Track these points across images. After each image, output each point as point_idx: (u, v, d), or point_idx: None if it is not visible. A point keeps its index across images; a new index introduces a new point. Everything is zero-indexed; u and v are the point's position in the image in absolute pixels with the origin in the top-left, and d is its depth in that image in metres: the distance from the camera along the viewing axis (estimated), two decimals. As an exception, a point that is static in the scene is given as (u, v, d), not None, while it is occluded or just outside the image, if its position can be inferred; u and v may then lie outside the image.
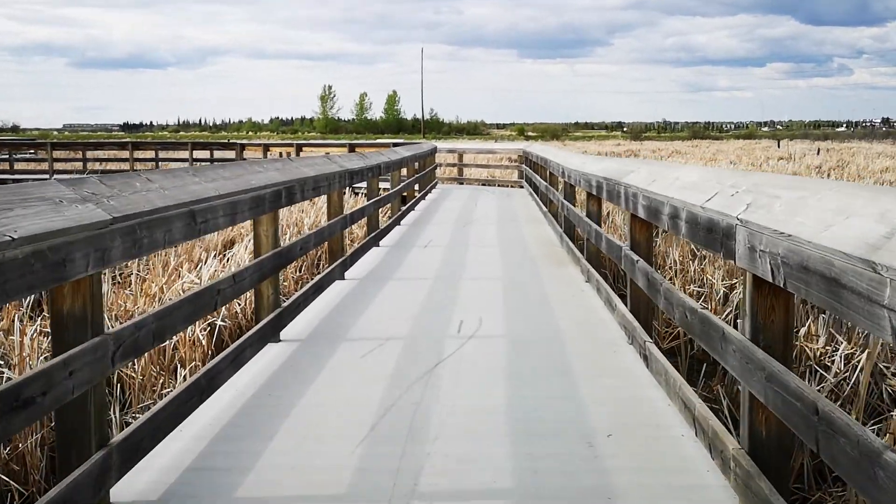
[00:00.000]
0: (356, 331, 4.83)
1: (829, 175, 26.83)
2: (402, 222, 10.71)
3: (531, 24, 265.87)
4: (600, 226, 6.41)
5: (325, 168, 5.73)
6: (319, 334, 4.73)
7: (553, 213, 10.45)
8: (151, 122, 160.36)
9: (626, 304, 4.79)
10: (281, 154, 22.83)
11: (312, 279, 6.22)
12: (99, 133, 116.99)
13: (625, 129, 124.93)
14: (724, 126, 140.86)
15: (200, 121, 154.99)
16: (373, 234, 8.29)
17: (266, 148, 20.99)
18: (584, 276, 6.48)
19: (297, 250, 4.89)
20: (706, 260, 8.53)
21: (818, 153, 38.65)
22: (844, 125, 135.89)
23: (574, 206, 8.20)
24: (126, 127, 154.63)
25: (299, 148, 19.87)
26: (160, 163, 22.79)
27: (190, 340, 5.70)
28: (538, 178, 12.51)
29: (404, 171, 12.21)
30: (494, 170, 21.30)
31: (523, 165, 16.94)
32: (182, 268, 7.79)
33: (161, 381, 5.30)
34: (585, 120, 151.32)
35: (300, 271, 8.69)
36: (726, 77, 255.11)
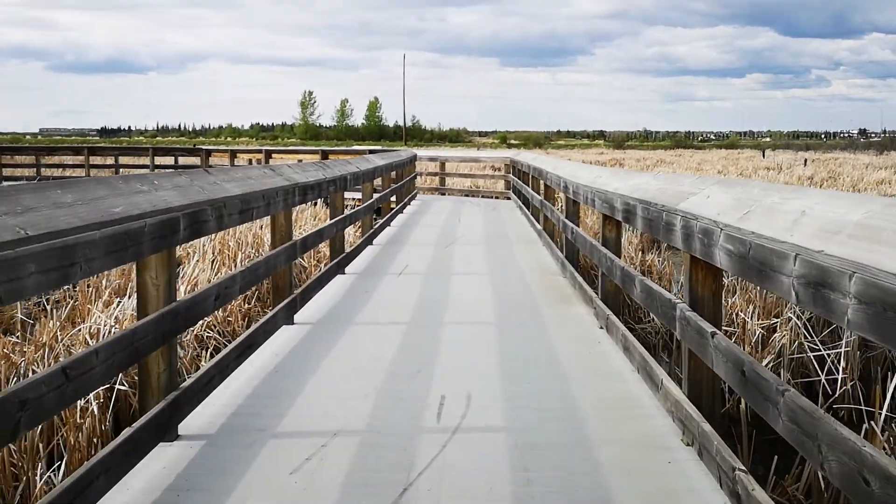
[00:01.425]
0: (292, 419, 3.38)
1: (822, 186, 25.80)
2: (374, 241, 9.28)
3: (514, 33, 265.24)
4: (619, 256, 5.03)
5: (261, 183, 4.29)
6: (237, 427, 3.28)
7: (549, 231, 9.07)
8: (130, 127, 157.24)
9: (670, 376, 3.40)
10: (251, 161, 21.34)
11: (261, 317, 4.78)
12: (73, 138, 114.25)
13: (607, 137, 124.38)
14: (704, 136, 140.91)
15: (179, 126, 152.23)
16: (336, 260, 6.84)
17: (233, 154, 19.46)
18: (599, 321, 5.09)
19: (211, 301, 3.44)
20: (736, 293, 7.18)
21: (805, 164, 37.76)
22: (823, 136, 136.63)
23: (578, 226, 6.83)
24: (104, 132, 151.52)
25: (269, 154, 18.35)
26: (120, 169, 21.16)
27: (80, 412, 4.23)
28: (530, 190, 11.13)
29: (378, 182, 10.79)
30: (479, 179, 19.93)
31: (511, 175, 15.58)
32: (96, 303, 6.29)
33: (24, 478, 3.81)
34: (567, 128, 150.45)
35: (249, 303, 7.23)
36: (706, 87, 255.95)
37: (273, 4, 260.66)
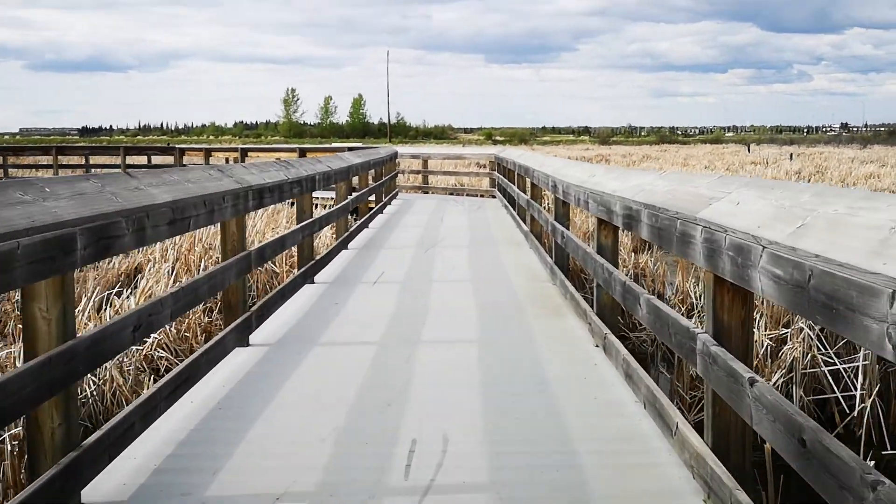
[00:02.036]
0: (229, 476, 2.77)
1: (809, 181, 25.44)
2: (350, 245, 8.66)
3: (498, 30, 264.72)
4: (617, 265, 4.46)
5: (202, 187, 3.67)
6: (157, 489, 2.66)
7: (536, 233, 8.50)
8: (111, 126, 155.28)
9: (670, 394, 2.83)
10: (227, 160, 20.66)
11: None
12: (52, 137, 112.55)
13: (591, 133, 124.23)
14: (688, 131, 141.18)
15: (162, 125, 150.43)
16: (304, 269, 6.22)
17: (208, 152, 18.73)
18: (595, 339, 4.52)
19: (128, 333, 2.81)
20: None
21: (791, 158, 37.47)
22: (805, 130, 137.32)
23: (569, 228, 6.25)
24: (84, 131, 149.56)
25: (244, 152, 17.66)
26: (91, 169, 20.37)
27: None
28: (515, 189, 10.56)
29: (355, 181, 10.17)
30: (463, 177, 19.34)
31: (496, 173, 15.00)
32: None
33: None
34: (552, 125, 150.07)
35: (210, 315, 6.59)
36: (689, 83, 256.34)
37: (255, 2, 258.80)
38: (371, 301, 5.83)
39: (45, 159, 19.55)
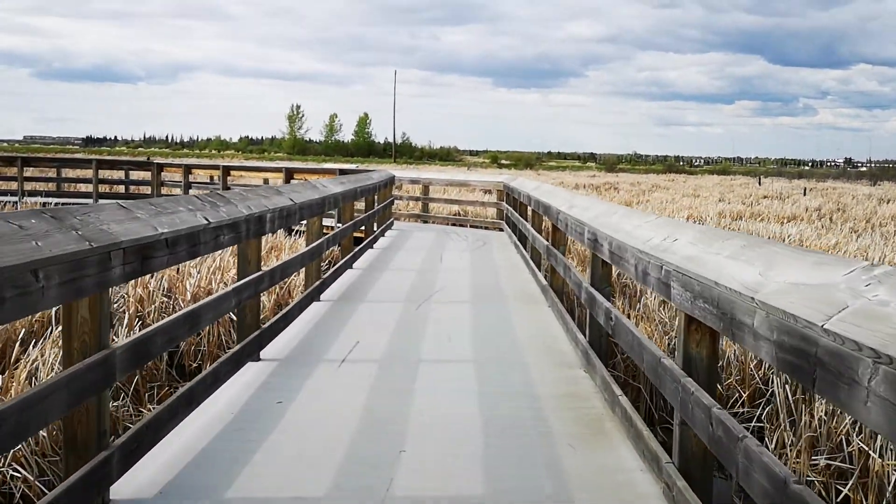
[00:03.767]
0: None
1: (831, 219, 23.68)
2: (323, 296, 6.91)
3: (507, 54, 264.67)
4: (715, 392, 2.70)
5: (20, 253, 1.92)
6: None
7: (558, 289, 6.76)
8: (116, 137, 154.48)
9: None
10: (212, 178, 19.03)
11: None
12: (52, 146, 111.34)
13: (598, 160, 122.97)
14: (693, 160, 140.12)
15: (167, 137, 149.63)
16: (242, 344, 4.45)
17: (188, 169, 17.05)
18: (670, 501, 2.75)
19: None
20: (812, 399, 4.83)
21: (804, 193, 35.80)
22: (809, 164, 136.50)
23: (610, 298, 4.50)
24: (88, 140, 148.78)
25: (227, 171, 15.97)
26: (62, 183, 18.70)
27: None
28: (529, 227, 8.81)
29: (333, 215, 8.44)
30: (467, 206, 17.66)
31: (505, 204, 13.28)
32: None
33: None
34: (558, 150, 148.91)
35: (117, 398, 4.81)
36: (696, 113, 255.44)
37: (265, 18, 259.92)
38: (329, 400, 4.06)
39: (9, 171, 17.78)
